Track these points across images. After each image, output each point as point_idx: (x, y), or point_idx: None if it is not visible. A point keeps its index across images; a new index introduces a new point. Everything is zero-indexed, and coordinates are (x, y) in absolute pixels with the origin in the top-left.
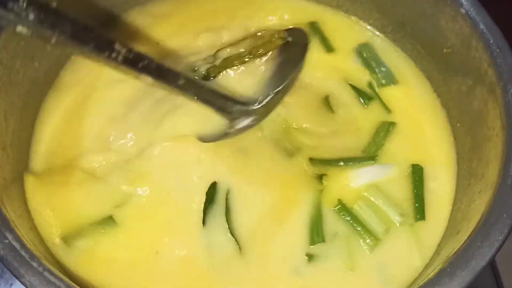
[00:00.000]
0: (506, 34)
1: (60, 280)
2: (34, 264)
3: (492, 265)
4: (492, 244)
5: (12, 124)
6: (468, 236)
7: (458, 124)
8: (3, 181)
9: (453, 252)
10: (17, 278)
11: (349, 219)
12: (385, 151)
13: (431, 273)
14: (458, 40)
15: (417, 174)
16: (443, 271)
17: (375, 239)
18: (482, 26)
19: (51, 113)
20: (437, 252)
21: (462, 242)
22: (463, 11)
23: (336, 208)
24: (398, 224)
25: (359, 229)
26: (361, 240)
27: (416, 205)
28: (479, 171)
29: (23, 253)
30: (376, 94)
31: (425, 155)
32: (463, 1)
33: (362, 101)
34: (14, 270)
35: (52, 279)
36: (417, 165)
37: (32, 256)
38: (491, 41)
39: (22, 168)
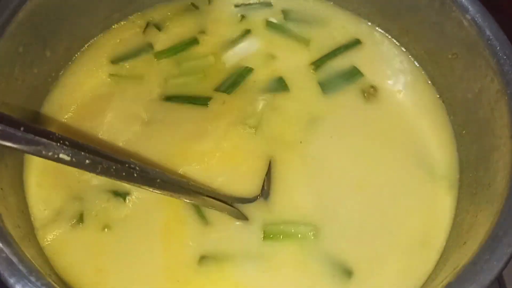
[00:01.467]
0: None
1: None
2: (32, 279)
3: (498, 277)
4: (501, 257)
5: None
6: (476, 249)
7: (464, 132)
8: (1, 192)
9: (461, 265)
10: None
11: None
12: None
13: (438, 285)
14: (463, 46)
15: None
16: (450, 284)
17: None
18: (488, 33)
19: (50, 120)
20: (442, 263)
21: (469, 254)
22: (469, 17)
23: None
24: None
25: None
26: None
27: None
28: (485, 180)
29: (20, 267)
30: None
31: (427, 161)
32: (469, 7)
33: None
34: (12, 286)
35: None
36: None
37: (30, 271)
38: (497, 48)
39: (20, 178)
